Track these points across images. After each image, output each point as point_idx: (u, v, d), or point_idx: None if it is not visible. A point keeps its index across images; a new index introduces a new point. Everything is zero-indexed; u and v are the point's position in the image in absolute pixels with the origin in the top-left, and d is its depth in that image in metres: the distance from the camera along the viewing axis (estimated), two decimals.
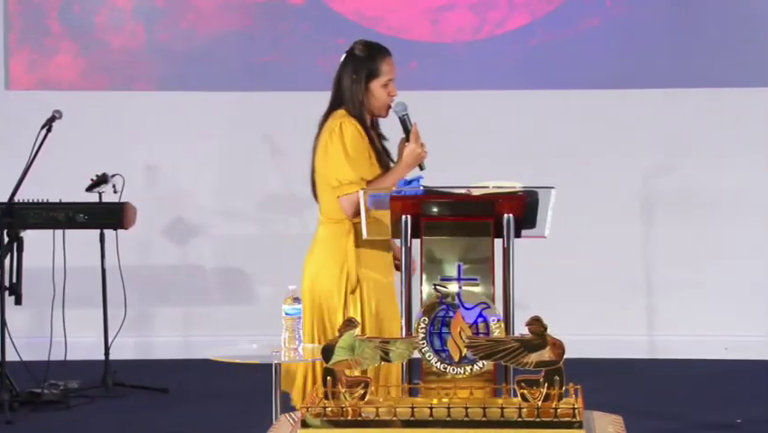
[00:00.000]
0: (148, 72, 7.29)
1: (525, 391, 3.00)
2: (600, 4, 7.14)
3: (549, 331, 3.03)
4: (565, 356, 3.01)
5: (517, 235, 3.50)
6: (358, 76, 4.09)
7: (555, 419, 2.96)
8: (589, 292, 7.11)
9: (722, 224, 7.10)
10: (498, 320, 3.25)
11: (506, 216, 3.42)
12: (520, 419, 2.96)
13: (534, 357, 3.00)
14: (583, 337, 6.73)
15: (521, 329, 3.14)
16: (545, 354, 3.00)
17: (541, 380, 3.00)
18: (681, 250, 7.15)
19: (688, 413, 5.74)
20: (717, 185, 7.10)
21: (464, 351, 3.18)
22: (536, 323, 3.03)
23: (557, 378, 2.99)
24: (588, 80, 7.10)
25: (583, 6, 7.15)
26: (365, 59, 4.11)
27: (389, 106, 4.13)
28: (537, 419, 2.96)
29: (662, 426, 5.48)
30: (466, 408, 2.98)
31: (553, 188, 3.61)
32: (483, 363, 3.18)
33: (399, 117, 4.12)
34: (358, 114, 4.09)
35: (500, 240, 3.47)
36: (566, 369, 3.00)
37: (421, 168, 4.13)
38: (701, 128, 7.12)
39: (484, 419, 2.97)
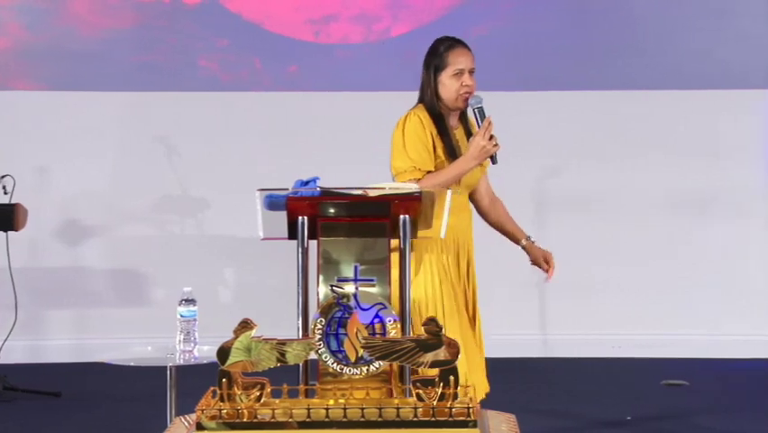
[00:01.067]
0: (35, 72, 7.18)
1: (421, 391, 3.02)
2: (489, 14, 7.23)
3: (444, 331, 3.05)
4: (460, 356, 3.03)
5: (414, 236, 3.52)
6: (428, 70, 4.14)
7: (450, 419, 2.98)
8: (483, 292, 7.17)
9: (614, 224, 7.22)
10: (395, 321, 3.27)
11: (402, 216, 3.43)
12: (416, 419, 2.98)
13: (429, 357, 3.02)
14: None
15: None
16: (441, 354, 3.03)
17: (436, 379, 3.02)
18: (573, 250, 7.25)
19: (580, 411, 5.82)
20: (608, 186, 7.22)
21: (361, 352, 3.19)
22: (432, 323, 3.05)
23: (452, 377, 3.02)
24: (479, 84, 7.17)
25: (473, 14, 7.24)
26: (434, 54, 4.15)
27: (467, 98, 4.11)
28: (432, 419, 2.98)
29: (554, 424, 5.55)
30: (362, 408, 2.99)
31: (449, 189, 3.65)
32: (379, 364, 3.19)
33: (472, 110, 4.10)
34: (431, 107, 4.09)
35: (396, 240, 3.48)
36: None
37: (493, 162, 4.08)
38: (589, 130, 7.24)
39: (380, 419, 2.98)
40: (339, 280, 3.36)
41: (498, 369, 6.68)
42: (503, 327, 7.14)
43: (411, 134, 4.06)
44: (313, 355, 3.16)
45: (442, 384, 3.01)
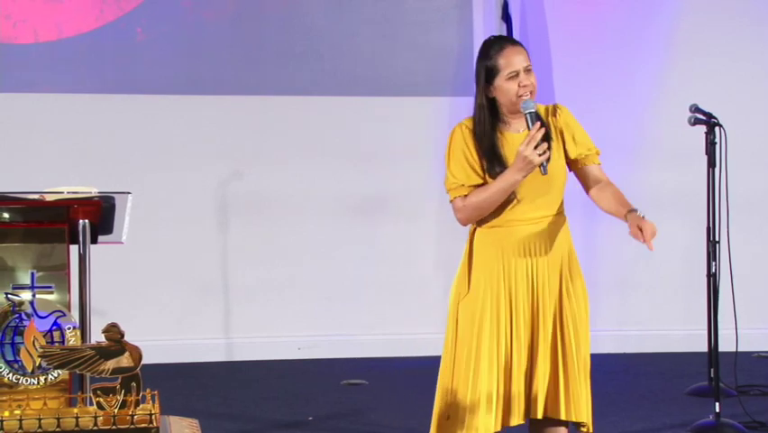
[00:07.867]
0: None
1: (102, 400, 2.97)
2: (168, 14, 7.18)
3: (127, 337, 3.01)
4: (143, 362, 3.01)
5: (94, 241, 3.46)
6: (477, 79, 3.81)
7: (132, 426, 2.95)
8: (165, 297, 7.13)
9: (292, 226, 7.33)
10: (74, 328, 3.20)
11: (81, 221, 3.37)
12: (96, 428, 2.93)
13: (110, 364, 2.98)
14: (162, 342, 6.75)
15: (99, 337, 3.10)
16: (123, 361, 2.99)
17: (118, 387, 2.98)
18: (254, 252, 7.31)
19: (263, 413, 5.87)
20: (286, 189, 7.32)
21: (38, 361, 3.11)
22: (113, 329, 3.01)
23: (134, 384, 2.99)
24: (158, 86, 7.12)
25: (154, 12, 7.17)
26: (481, 60, 3.80)
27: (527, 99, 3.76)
28: (113, 427, 2.94)
29: (237, 427, 5.58)
30: (39, 419, 2.91)
31: (129, 193, 3.60)
32: (58, 373, 3.12)
33: (524, 115, 3.75)
34: (478, 118, 3.79)
35: (76, 246, 3.41)
36: (144, 375, 3.00)
37: (543, 172, 3.67)
38: (266, 134, 7.32)
39: (58, 429, 2.91)
40: (14, 288, 3.26)
41: (182, 374, 6.67)
42: (187, 332, 7.14)
43: (454, 149, 3.80)
44: None
45: (123, 391, 2.98)
